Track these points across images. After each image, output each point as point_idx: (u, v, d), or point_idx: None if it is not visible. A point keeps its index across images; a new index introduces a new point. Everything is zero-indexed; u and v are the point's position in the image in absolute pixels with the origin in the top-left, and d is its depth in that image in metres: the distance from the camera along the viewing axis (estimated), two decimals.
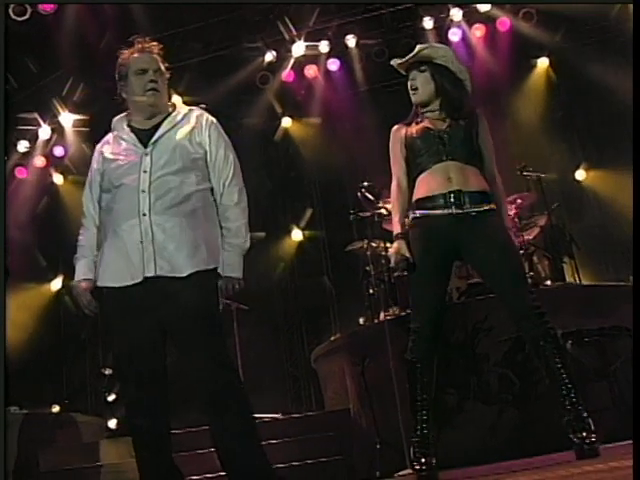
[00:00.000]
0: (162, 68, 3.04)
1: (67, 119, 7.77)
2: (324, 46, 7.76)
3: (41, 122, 7.83)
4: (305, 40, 7.73)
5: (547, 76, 8.01)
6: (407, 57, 3.50)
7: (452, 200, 3.31)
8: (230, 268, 2.92)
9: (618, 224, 6.95)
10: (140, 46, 3.03)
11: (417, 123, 3.49)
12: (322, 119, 8.13)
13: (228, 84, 7.75)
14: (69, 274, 3.11)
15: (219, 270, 2.89)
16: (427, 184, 3.39)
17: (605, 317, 4.71)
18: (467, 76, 3.52)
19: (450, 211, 3.31)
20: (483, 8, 7.58)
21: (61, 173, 8.13)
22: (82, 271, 2.98)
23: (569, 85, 7.80)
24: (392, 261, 3.46)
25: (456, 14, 7.55)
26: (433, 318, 3.32)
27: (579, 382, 4.67)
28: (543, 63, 8.01)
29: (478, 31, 7.74)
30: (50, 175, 8.13)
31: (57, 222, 7.46)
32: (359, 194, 6.03)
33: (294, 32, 7.73)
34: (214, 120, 3.07)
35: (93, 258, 2.98)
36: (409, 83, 3.50)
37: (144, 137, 2.96)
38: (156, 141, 2.94)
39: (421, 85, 3.46)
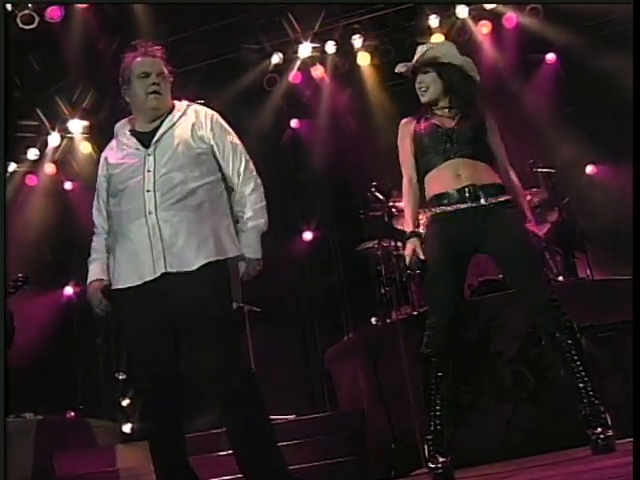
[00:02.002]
0: (165, 71, 3.05)
1: (76, 126, 7.80)
2: (330, 47, 7.76)
3: (50, 129, 7.86)
4: (311, 41, 7.73)
5: (555, 71, 7.98)
6: (412, 62, 3.50)
7: (467, 195, 3.31)
8: (249, 250, 2.93)
9: (629, 218, 6.90)
10: (143, 50, 3.05)
11: (426, 119, 3.49)
12: (330, 119, 8.12)
13: (236, 87, 7.76)
14: (81, 280, 3.14)
15: (243, 253, 2.90)
16: (438, 182, 3.40)
17: (619, 312, 4.69)
18: (473, 66, 3.52)
19: (467, 205, 3.31)
20: (489, 5, 7.56)
21: (71, 180, 8.15)
22: (94, 272, 3.02)
23: (577, 80, 7.75)
24: (407, 261, 3.45)
25: (462, 11, 7.53)
26: (450, 313, 3.31)
27: (595, 379, 4.65)
28: (551, 58, 7.98)
29: (484, 28, 7.72)
30: (61, 182, 8.15)
31: (68, 228, 7.49)
32: (369, 194, 6.03)
33: (300, 33, 7.73)
34: (214, 113, 3.08)
35: (105, 260, 3.01)
36: (417, 84, 3.50)
37: (146, 139, 2.98)
38: (157, 141, 2.96)
39: (430, 84, 3.46)
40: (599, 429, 3.06)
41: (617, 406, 4.29)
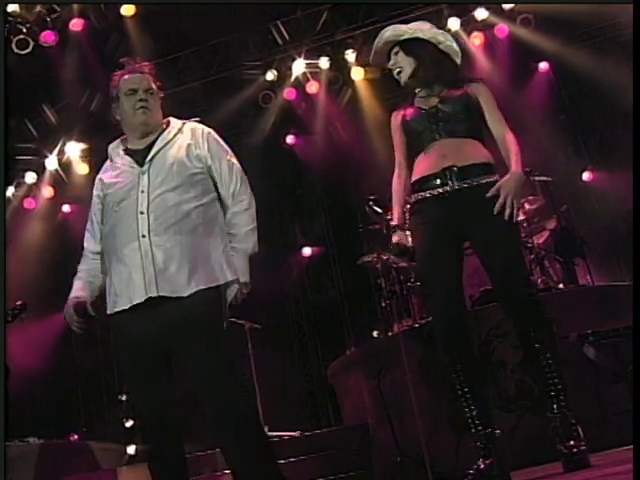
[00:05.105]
0: (153, 87, 3.03)
1: (74, 148, 7.83)
2: (324, 62, 7.80)
3: (47, 153, 7.88)
4: (305, 57, 7.78)
5: (548, 80, 8.02)
6: (372, 51, 3.37)
7: (449, 176, 3.10)
8: (238, 273, 2.89)
9: (627, 223, 6.91)
10: (131, 67, 3.05)
11: (411, 105, 3.31)
12: (325, 134, 8.15)
13: (231, 105, 7.80)
14: None
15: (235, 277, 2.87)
16: (423, 165, 3.21)
17: (620, 317, 4.68)
18: (448, 37, 3.35)
19: (448, 188, 3.10)
20: (481, 16, 7.61)
21: (69, 202, 8.17)
22: (74, 289, 3.00)
23: (570, 87, 7.80)
24: (392, 253, 3.32)
25: (453, 23, 7.57)
26: (448, 313, 3.09)
27: (598, 385, 4.64)
28: (543, 67, 8.02)
29: (477, 39, 7.76)
30: (59, 205, 8.16)
31: (67, 251, 7.48)
32: (367, 207, 6.03)
33: (294, 50, 7.78)
34: (210, 130, 3.06)
35: (87, 278, 3.00)
36: (392, 68, 3.32)
37: (139, 157, 2.96)
38: (152, 159, 2.93)
39: (403, 64, 3.29)
40: (571, 442, 2.86)
41: (620, 412, 4.29)
